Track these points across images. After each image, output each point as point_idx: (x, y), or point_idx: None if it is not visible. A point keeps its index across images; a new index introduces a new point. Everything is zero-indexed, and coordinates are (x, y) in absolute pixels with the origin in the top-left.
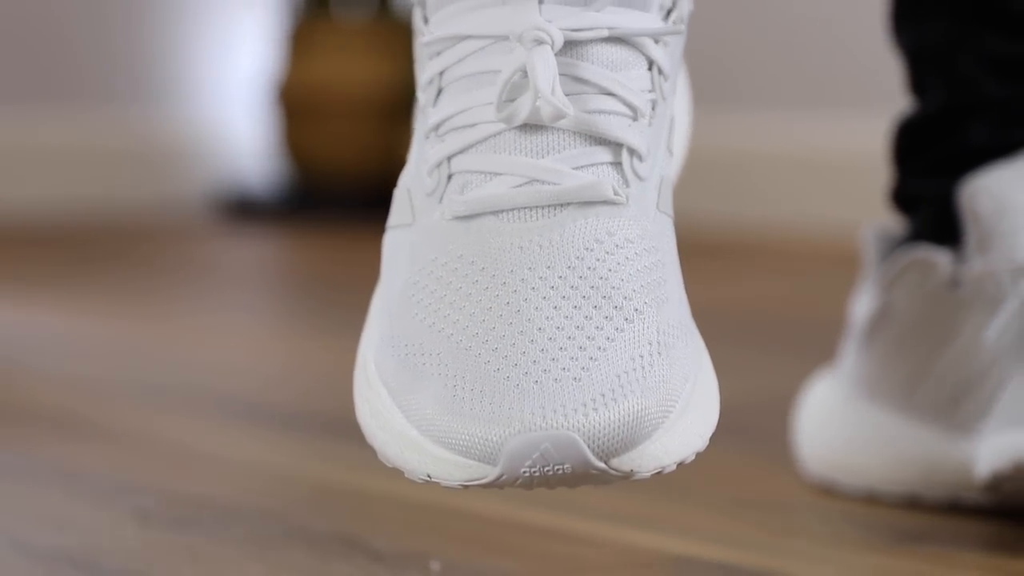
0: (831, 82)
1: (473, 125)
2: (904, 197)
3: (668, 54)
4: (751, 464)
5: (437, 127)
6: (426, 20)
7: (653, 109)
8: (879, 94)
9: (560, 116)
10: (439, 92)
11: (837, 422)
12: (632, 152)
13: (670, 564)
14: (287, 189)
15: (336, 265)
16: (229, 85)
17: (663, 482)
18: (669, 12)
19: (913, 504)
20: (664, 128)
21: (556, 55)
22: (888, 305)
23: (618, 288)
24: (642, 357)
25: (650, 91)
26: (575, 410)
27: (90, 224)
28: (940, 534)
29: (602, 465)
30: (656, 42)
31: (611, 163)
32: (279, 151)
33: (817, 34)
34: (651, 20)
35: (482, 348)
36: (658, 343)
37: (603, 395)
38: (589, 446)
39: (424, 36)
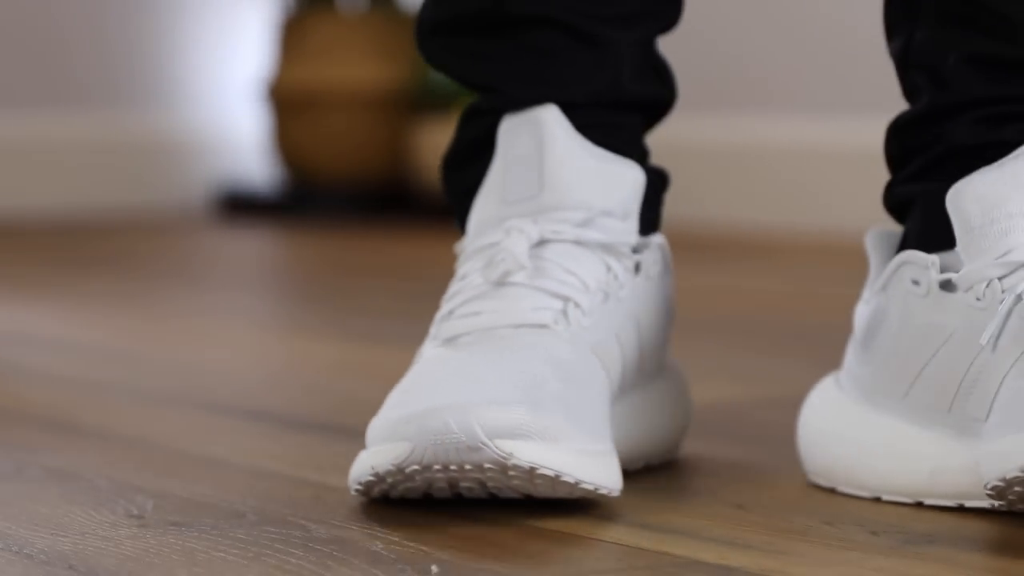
0: (839, 83)
1: (466, 289)
2: (897, 202)
3: (626, 271)
4: (754, 466)
5: (449, 297)
6: (464, 246)
7: (605, 296)
8: (888, 95)
9: (521, 267)
10: (460, 279)
11: (840, 427)
12: (577, 306)
13: (672, 566)
14: (284, 186)
15: (334, 264)
16: (227, 84)
17: (665, 484)
18: (634, 250)
19: (917, 506)
20: (614, 322)
21: (533, 246)
22: (883, 309)
23: (535, 364)
24: (542, 394)
25: (604, 282)
26: (474, 401)
27: (85, 225)
28: (945, 536)
29: (487, 440)
30: (617, 259)
31: (560, 310)
32: (274, 148)
33: (826, 37)
34: (609, 239)
35: (434, 386)
36: (561, 399)
37: (500, 398)
38: (479, 424)
39: (462, 250)
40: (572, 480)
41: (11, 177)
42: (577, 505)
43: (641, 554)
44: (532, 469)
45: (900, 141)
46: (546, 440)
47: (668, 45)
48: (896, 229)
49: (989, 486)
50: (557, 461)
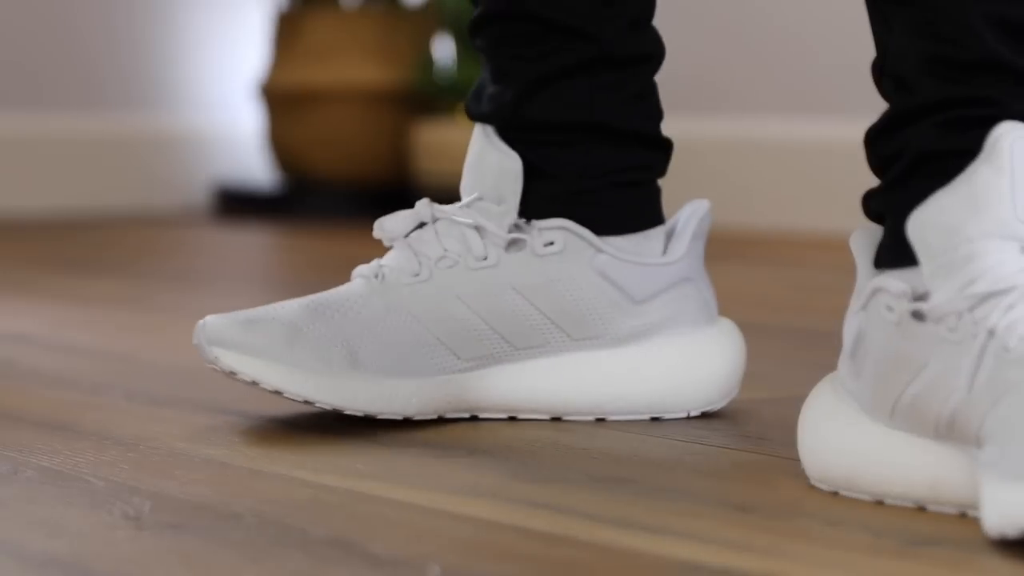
0: (841, 84)
1: None
2: (875, 214)
3: (494, 247)
4: (756, 467)
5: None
6: None
7: (453, 263)
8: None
9: (383, 238)
10: None
11: (837, 434)
12: (403, 269)
13: (674, 569)
14: (284, 184)
15: (335, 263)
16: (227, 83)
17: (665, 485)
18: (520, 229)
19: (920, 508)
20: (458, 285)
21: (423, 222)
22: (863, 330)
23: (303, 301)
24: (271, 320)
25: (457, 253)
26: (222, 317)
27: (85, 225)
28: (949, 538)
29: (206, 344)
30: (482, 236)
31: (387, 266)
32: (274, 146)
33: (835, 40)
34: (478, 218)
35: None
36: (295, 328)
37: (236, 318)
38: (204, 333)
39: None
40: (270, 388)
41: (11, 177)
42: (579, 507)
43: (642, 556)
44: (232, 373)
45: (873, 150)
46: (250, 354)
47: (679, 48)
48: (879, 230)
49: (990, 535)
50: (256, 371)
